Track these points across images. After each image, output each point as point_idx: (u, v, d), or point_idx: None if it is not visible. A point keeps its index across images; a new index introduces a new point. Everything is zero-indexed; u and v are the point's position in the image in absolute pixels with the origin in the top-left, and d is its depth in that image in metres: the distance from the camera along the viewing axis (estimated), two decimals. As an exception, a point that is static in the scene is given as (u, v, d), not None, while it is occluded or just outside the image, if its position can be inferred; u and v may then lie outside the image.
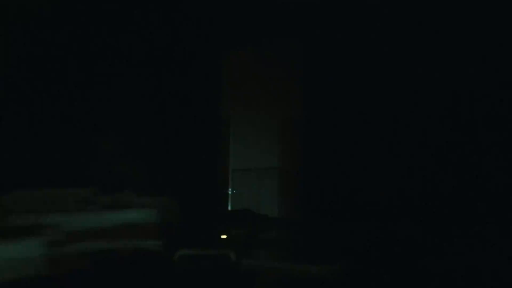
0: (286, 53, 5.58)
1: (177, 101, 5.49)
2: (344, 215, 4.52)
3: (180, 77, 5.54)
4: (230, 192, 5.75)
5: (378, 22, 4.69)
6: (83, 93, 4.91)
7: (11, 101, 4.48)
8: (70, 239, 3.17)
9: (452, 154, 4.22)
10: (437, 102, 4.36)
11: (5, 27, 4.37)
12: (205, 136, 5.60)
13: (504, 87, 4.05)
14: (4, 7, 4.32)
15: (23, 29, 4.50)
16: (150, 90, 5.35)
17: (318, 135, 5.05)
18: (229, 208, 5.71)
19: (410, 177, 4.38)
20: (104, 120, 5.05)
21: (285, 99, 5.57)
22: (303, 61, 5.38)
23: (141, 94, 5.29)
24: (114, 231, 3.53)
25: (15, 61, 4.50)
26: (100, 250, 3.24)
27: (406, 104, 4.48)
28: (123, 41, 5.17)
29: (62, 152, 4.66)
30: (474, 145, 4.14)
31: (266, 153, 5.64)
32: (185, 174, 5.24)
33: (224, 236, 4.26)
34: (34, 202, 3.67)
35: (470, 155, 4.13)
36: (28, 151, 4.48)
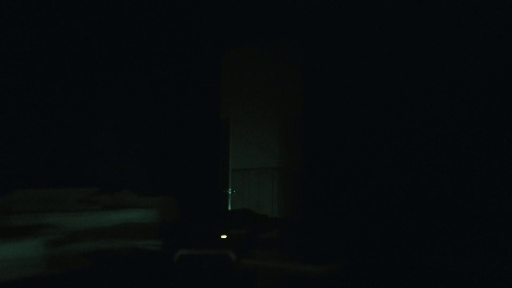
0: (286, 52, 5.58)
1: (177, 101, 5.49)
2: (344, 215, 4.52)
3: (179, 77, 5.54)
4: (230, 192, 5.75)
5: (378, 22, 4.69)
6: (83, 93, 4.91)
7: (11, 101, 4.48)
8: (70, 239, 3.17)
9: (453, 154, 4.22)
10: (438, 102, 4.36)
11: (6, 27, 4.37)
12: (205, 136, 5.60)
13: (503, 87, 4.05)
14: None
15: (25, 29, 4.51)
16: (149, 90, 5.35)
17: (318, 135, 5.05)
18: (229, 208, 5.71)
19: (410, 176, 4.38)
20: (104, 120, 5.05)
21: (285, 99, 5.57)
22: (303, 61, 5.38)
23: (140, 94, 5.29)
24: (114, 231, 3.53)
25: (15, 61, 4.50)
26: (100, 250, 3.24)
27: (407, 103, 4.48)
28: (122, 41, 5.17)
29: (62, 152, 4.66)
30: (474, 145, 4.14)
31: (266, 153, 5.64)
32: (185, 174, 5.24)
33: (224, 236, 4.26)
34: (34, 202, 3.68)
35: (470, 155, 4.13)
36: (28, 151, 4.48)
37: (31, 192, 3.77)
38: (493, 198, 3.93)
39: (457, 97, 4.26)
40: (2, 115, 4.38)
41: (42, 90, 4.65)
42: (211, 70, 5.76)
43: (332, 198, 4.73)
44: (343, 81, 4.88)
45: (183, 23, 5.56)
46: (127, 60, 5.20)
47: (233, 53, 5.92)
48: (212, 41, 5.71)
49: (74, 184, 4.19)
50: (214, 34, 5.67)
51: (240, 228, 4.40)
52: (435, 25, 4.39)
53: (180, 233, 3.83)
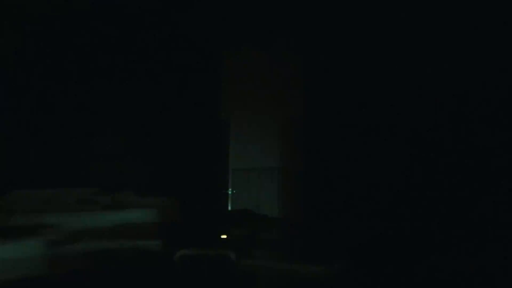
0: (287, 52, 5.57)
1: (177, 101, 5.48)
2: (344, 215, 4.51)
3: (180, 77, 5.53)
4: (230, 192, 5.74)
5: (379, 22, 4.68)
6: (83, 93, 4.91)
7: (11, 101, 4.48)
8: (70, 239, 3.17)
9: (454, 155, 4.22)
10: (438, 102, 4.35)
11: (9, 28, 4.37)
12: (205, 136, 5.59)
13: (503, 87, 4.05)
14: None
15: (27, 29, 4.51)
16: (149, 91, 5.35)
17: (319, 135, 5.04)
18: (229, 208, 5.70)
19: (411, 177, 4.38)
20: (104, 120, 5.05)
21: (285, 99, 5.56)
22: (303, 61, 5.37)
23: (141, 94, 5.28)
24: (114, 231, 3.53)
25: (16, 61, 4.50)
26: (100, 250, 3.24)
27: (408, 103, 4.47)
28: (122, 42, 5.16)
29: (62, 152, 4.66)
30: (475, 145, 4.13)
31: (266, 153, 5.63)
32: (185, 174, 5.24)
33: (224, 236, 4.26)
34: (34, 202, 3.67)
35: (471, 156, 4.12)
36: (28, 151, 4.47)
37: (31, 192, 3.76)
38: (493, 199, 3.92)
39: (460, 97, 4.26)
40: (2, 115, 4.38)
41: (42, 90, 4.65)
42: (212, 70, 5.75)
43: (332, 198, 4.73)
44: (344, 81, 4.88)
45: (183, 23, 5.56)
46: (128, 60, 5.20)
47: (233, 53, 5.91)
48: (213, 41, 5.70)
49: (74, 184, 4.18)
50: (215, 33, 5.66)
51: (240, 228, 4.39)
52: (436, 25, 4.39)
53: (180, 233, 3.82)
